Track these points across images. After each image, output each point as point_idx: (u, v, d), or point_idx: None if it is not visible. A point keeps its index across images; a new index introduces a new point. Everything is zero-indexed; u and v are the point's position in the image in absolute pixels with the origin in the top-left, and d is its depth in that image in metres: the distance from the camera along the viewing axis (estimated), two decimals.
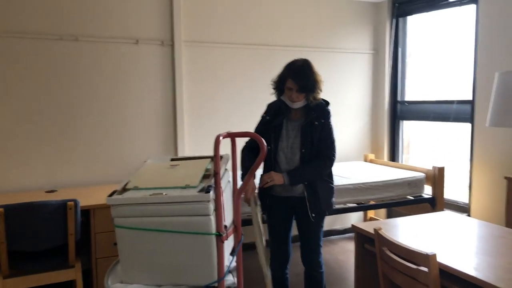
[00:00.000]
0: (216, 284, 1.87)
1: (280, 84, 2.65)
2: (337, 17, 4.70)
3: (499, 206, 3.70)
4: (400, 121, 4.90)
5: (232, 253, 2.09)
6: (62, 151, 3.67)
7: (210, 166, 2.11)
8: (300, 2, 4.51)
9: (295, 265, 3.70)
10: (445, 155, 4.56)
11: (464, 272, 1.93)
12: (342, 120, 4.80)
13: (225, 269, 1.91)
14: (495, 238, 2.37)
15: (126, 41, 3.83)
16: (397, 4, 4.74)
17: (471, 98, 3.97)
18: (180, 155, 4.06)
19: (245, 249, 4.23)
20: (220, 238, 1.82)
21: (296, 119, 2.69)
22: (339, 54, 4.74)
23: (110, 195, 1.84)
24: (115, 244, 1.92)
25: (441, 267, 1.99)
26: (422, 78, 4.80)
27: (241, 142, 2.75)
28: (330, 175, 2.74)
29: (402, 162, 4.89)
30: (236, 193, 2.05)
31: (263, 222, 2.74)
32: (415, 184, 3.91)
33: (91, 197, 3.25)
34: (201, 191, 1.82)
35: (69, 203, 2.71)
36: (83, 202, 3.00)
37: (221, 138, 1.85)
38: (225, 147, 3.65)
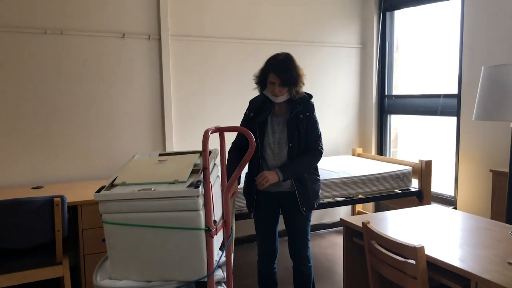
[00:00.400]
0: (205, 279, 1.87)
1: (262, 79, 2.65)
2: (325, 11, 4.71)
3: (485, 199, 3.76)
4: (388, 115, 4.93)
5: (221, 248, 2.09)
6: (48, 147, 3.63)
7: (199, 161, 2.10)
8: None
9: (284, 259, 3.72)
10: (432, 149, 4.60)
11: (451, 264, 1.96)
12: (330, 115, 4.82)
13: (215, 264, 1.90)
14: (481, 230, 2.41)
15: (112, 35, 3.78)
16: None
17: (457, 92, 4.02)
18: (168, 150, 4.04)
19: (235, 244, 4.25)
20: (209, 233, 1.82)
21: (280, 114, 2.69)
22: (327, 48, 4.75)
23: (98, 191, 1.83)
24: (103, 240, 1.91)
25: (428, 259, 2.02)
26: (409, 72, 4.84)
27: (229, 137, 2.75)
28: (316, 168, 2.77)
29: (389, 156, 4.94)
30: (225, 188, 2.05)
31: (250, 217, 2.76)
32: (403, 177, 3.95)
33: (79, 193, 3.21)
34: (190, 186, 1.81)
35: (56, 199, 2.67)
36: (70, 198, 2.98)
37: (209, 132, 1.84)
38: (213, 142, 3.64)
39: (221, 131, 2.02)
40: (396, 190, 3.96)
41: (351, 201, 3.84)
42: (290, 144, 2.63)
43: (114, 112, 3.85)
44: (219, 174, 2.19)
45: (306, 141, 2.67)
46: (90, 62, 3.73)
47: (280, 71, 2.54)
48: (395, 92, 4.89)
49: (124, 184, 1.90)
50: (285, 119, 2.66)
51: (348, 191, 3.73)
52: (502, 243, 2.18)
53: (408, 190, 3.99)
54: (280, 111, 2.70)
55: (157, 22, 3.93)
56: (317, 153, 2.68)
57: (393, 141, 5.00)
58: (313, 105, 2.70)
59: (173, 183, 1.87)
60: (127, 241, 1.84)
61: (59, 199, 2.68)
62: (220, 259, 2.01)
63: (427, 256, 2.03)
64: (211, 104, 4.23)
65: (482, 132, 3.78)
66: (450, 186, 4.19)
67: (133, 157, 2.27)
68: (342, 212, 4.97)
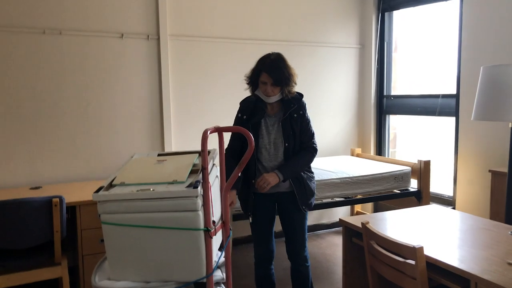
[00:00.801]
0: (204, 280, 1.86)
1: (254, 79, 2.65)
2: (324, 12, 4.71)
3: (484, 199, 3.76)
4: (386, 115, 4.93)
5: (220, 249, 2.09)
6: (46, 147, 3.62)
7: (198, 161, 2.09)
8: None
9: (282, 260, 3.71)
10: (431, 149, 4.61)
11: (450, 264, 1.95)
12: (329, 115, 4.81)
13: (214, 264, 1.90)
14: (480, 230, 2.40)
15: (111, 35, 3.77)
16: None
17: (455, 92, 4.02)
18: (167, 150, 4.03)
19: (233, 244, 4.25)
20: (208, 234, 1.81)
21: (273, 114, 2.69)
22: (326, 48, 4.75)
23: (97, 191, 1.82)
24: (102, 240, 1.90)
25: (428, 260, 2.02)
26: (407, 72, 4.84)
27: (229, 137, 2.75)
28: (309, 166, 2.78)
29: (388, 156, 4.94)
30: (224, 188, 2.04)
31: (249, 221, 2.73)
32: (401, 177, 3.95)
33: (77, 193, 3.21)
34: (189, 186, 1.80)
35: (54, 199, 2.67)
36: (69, 198, 2.97)
37: (208, 132, 1.83)
38: (212, 142, 3.64)
39: (220, 131, 2.01)
40: (395, 190, 3.96)
41: (350, 201, 3.84)
42: (286, 144, 2.63)
43: (113, 112, 3.84)
44: (218, 174, 2.19)
45: (301, 140, 2.67)
46: (89, 62, 3.72)
47: (272, 71, 2.54)
48: (394, 92, 4.89)
49: (122, 184, 1.89)
50: (279, 119, 2.66)
51: (347, 191, 3.72)
52: (501, 243, 2.18)
53: (407, 190, 3.99)
54: (273, 111, 2.69)
55: (155, 22, 3.92)
56: (313, 151, 2.71)
57: (391, 141, 5.00)
58: (305, 104, 2.72)
59: (172, 183, 1.86)
60: (125, 241, 1.83)
61: (57, 199, 2.67)
62: (219, 259, 2.01)
63: (427, 256, 2.02)
64: (210, 104, 4.23)
65: (481, 132, 3.78)
66: (449, 186, 4.19)
67: (132, 157, 2.26)
68: (341, 213, 4.97)
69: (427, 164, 3.93)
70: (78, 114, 3.71)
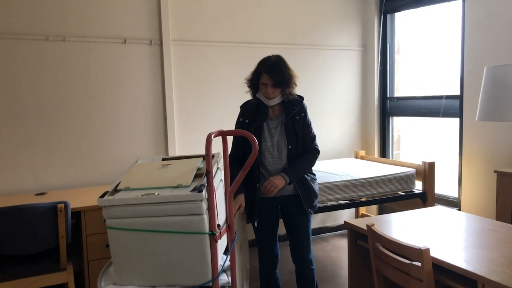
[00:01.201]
0: (210, 284, 1.86)
1: (254, 81, 2.65)
2: (326, 14, 4.71)
3: (489, 200, 3.74)
4: (390, 117, 4.92)
5: (225, 252, 2.08)
6: (51, 153, 3.63)
7: (202, 165, 2.09)
8: None
9: (287, 263, 3.70)
10: (435, 150, 4.59)
11: (457, 265, 1.94)
12: (332, 117, 4.81)
13: (219, 268, 1.89)
14: (487, 231, 2.39)
15: (113, 40, 3.79)
16: (384, 1, 4.76)
17: (459, 93, 4.00)
18: (171, 154, 4.03)
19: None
20: (213, 237, 1.81)
21: (274, 117, 2.69)
22: (328, 51, 4.75)
23: (102, 196, 1.82)
24: (107, 245, 1.91)
25: (434, 262, 2.00)
26: (410, 74, 4.83)
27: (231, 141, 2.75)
28: (312, 168, 2.79)
29: (392, 158, 4.92)
30: (228, 192, 2.04)
31: (254, 225, 2.72)
32: (406, 179, 3.93)
33: (82, 199, 3.21)
34: (193, 190, 1.81)
35: (59, 205, 2.67)
36: (74, 204, 2.98)
37: (212, 136, 1.83)
38: (216, 146, 3.64)
39: (224, 135, 2.01)
40: (400, 192, 3.94)
41: (354, 204, 3.83)
42: (289, 146, 2.63)
43: (117, 118, 3.85)
44: (223, 178, 2.19)
45: (303, 142, 2.68)
46: (92, 68, 3.73)
47: (273, 72, 2.55)
48: (397, 94, 4.88)
49: (127, 189, 1.89)
50: (281, 122, 2.66)
51: (351, 194, 3.71)
52: (508, 244, 2.17)
53: (412, 192, 3.97)
54: (274, 114, 2.70)
55: (158, 27, 3.94)
56: (316, 153, 2.72)
57: (395, 143, 4.98)
58: (306, 106, 2.73)
59: (176, 187, 1.86)
60: (131, 246, 1.84)
61: (62, 205, 2.68)
62: (224, 263, 2.00)
63: (433, 258, 2.01)
64: (213, 108, 4.23)
65: (485, 133, 3.77)
66: (454, 187, 4.18)
67: (136, 162, 2.27)
68: (346, 215, 4.96)
69: (431, 165, 3.92)
70: (82, 119, 3.72)
